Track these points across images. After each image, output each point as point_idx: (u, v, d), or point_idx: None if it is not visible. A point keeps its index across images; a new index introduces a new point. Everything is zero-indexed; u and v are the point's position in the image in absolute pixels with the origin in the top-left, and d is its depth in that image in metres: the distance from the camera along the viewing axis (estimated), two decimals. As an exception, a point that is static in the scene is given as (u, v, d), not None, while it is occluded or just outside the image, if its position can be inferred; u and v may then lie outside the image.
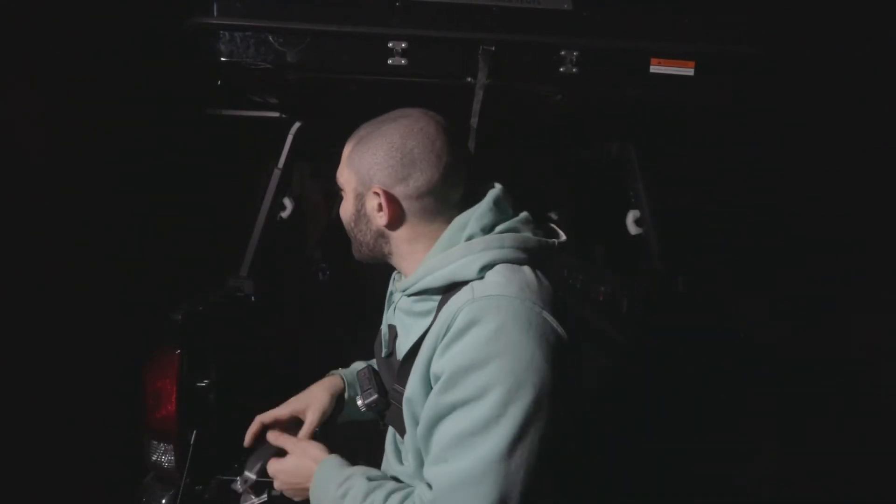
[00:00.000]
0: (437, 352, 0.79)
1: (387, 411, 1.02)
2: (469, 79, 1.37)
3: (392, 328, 1.01)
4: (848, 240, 3.34)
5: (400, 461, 0.99)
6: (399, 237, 0.92)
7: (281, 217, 1.98)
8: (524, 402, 0.73)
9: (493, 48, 1.34)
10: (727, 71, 1.43)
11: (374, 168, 0.89)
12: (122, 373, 1.80)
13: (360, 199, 0.92)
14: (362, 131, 0.93)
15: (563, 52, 1.37)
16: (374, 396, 0.99)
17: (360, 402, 1.02)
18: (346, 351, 2.38)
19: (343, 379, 1.18)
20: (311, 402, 1.13)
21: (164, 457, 1.54)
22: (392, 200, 0.88)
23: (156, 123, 2.73)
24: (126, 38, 2.47)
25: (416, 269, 0.90)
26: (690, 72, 1.40)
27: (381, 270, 1.24)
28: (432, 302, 0.88)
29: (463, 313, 0.77)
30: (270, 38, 1.34)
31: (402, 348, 0.93)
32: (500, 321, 0.75)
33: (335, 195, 3.47)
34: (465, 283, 0.83)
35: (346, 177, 0.94)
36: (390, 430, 1.04)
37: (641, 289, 2.03)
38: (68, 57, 2.29)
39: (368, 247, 0.96)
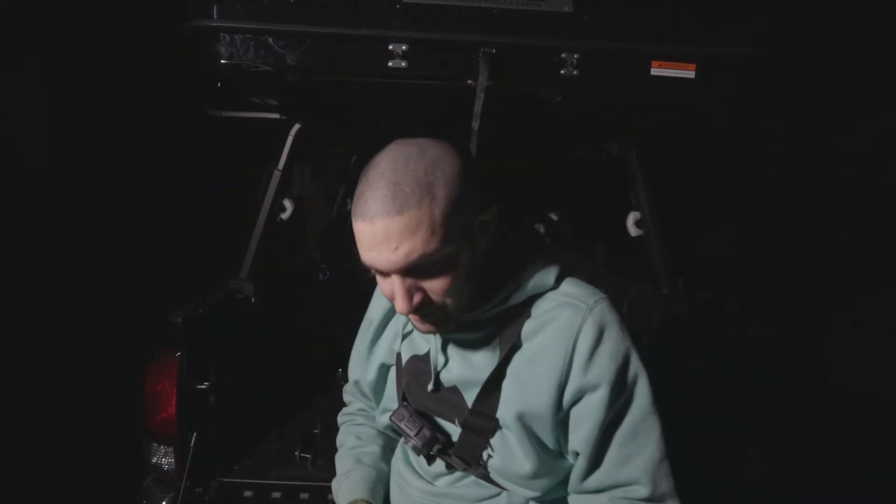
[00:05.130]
0: (577, 367, 0.83)
1: (444, 444, 0.95)
2: (470, 81, 1.37)
3: (440, 358, 0.95)
4: (849, 240, 3.34)
5: (429, 482, 0.98)
6: (478, 263, 0.85)
7: (281, 218, 1.98)
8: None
9: (494, 50, 1.34)
10: (728, 73, 1.42)
11: (465, 201, 0.78)
12: (123, 375, 1.80)
13: (470, 242, 0.81)
14: (417, 186, 0.75)
15: (563, 55, 1.37)
16: (430, 433, 0.92)
17: (412, 444, 0.93)
18: (347, 351, 2.39)
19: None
20: None
21: (164, 459, 1.54)
22: (493, 218, 0.85)
23: (156, 125, 2.73)
24: (126, 39, 2.46)
25: (477, 293, 0.86)
26: (691, 74, 1.40)
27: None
28: (491, 325, 0.90)
29: (588, 324, 0.84)
30: (270, 41, 1.34)
31: (472, 376, 0.90)
32: (615, 318, 0.86)
33: (335, 196, 3.47)
34: (539, 295, 0.89)
35: (445, 237, 0.76)
36: (406, 455, 1.03)
37: (642, 290, 2.04)
38: (68, 58, 2.29)
39: (470, 298, 0.85)
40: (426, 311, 0.82)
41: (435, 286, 0.79)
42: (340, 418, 1.23)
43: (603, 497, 0.87)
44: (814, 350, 3.37)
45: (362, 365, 1.11)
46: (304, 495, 1.60)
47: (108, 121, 2.48)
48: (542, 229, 2.82)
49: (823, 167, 3.33)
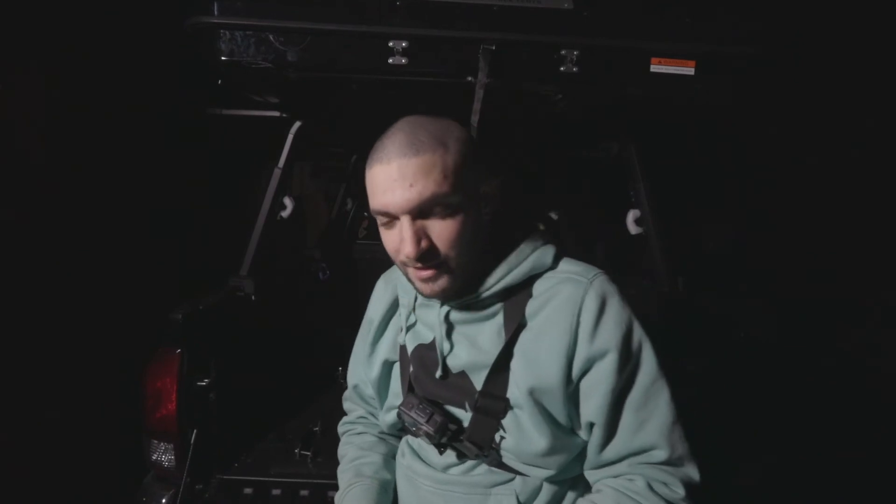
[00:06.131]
0: (583, 337, 0.86)
1: (456, 430, 0.94)
2: (469, 78, 1.37)
3: (445, 345, 0.95)
4: (849, 240, 3.34)
5: (440, 472, 0.97)
6: (482, 229, 0.90)
7: (281, 216, 1.98)
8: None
9: (494, 47, 1.34)
10: (728, 70, 1.43)
11: (472, 164, 0.86)
12: (123, 373, 1.80)
13: (476, 204, 0.87)
14: (431, 138, 0.83)
15: (563, 52, 1.37)
16: (441, 419, 0.92)
17: (424, 431, 0.92)
18: (347, 349, 2.39)
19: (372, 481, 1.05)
20: None
21: (164, 456, 1.54)
22: (495, 190, 0.91)
23: (156, 122, 2.73)
24: (127, 37, 2.47)
25: (475, 272, 0.90)
26: (691, 71, 1.40)
27: (382, 270, 1.24)
28: (494, 305, 0.93)
29: (590, 296, 0.87)
30: (271, 38, 1.34)
31: (479, 359, 0.91)
32: (615, 289, 0.89)
33: (335, 195, 3.47)
34: (538, 275, 0.92)
35: (455, 184, 0.83)
36: (413, 448, 1.03)
37: (641, 288, 2.04)
38: (69, 56, 2.29)
39: (474, 263, 0.89)
40: (431, 263, 0.85)
41: (443, 233, 0.84)
42: (341, 428, 1.22)
43: (623, 465, 0.88)
44: (815, 350, 3.37)
45: (364, 365, 1.12)
46: (303, 492, 1.59)
47: (108, 119, 2.48)
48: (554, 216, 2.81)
49: (824, 165, 3.34)
